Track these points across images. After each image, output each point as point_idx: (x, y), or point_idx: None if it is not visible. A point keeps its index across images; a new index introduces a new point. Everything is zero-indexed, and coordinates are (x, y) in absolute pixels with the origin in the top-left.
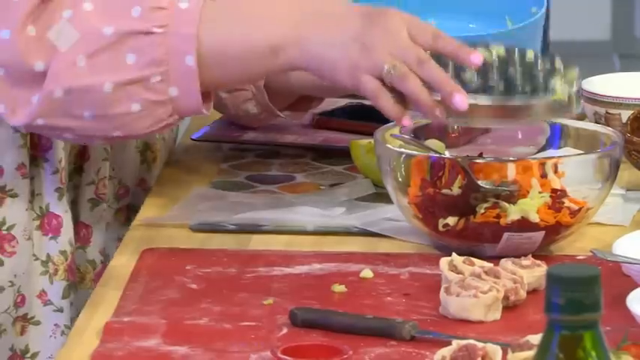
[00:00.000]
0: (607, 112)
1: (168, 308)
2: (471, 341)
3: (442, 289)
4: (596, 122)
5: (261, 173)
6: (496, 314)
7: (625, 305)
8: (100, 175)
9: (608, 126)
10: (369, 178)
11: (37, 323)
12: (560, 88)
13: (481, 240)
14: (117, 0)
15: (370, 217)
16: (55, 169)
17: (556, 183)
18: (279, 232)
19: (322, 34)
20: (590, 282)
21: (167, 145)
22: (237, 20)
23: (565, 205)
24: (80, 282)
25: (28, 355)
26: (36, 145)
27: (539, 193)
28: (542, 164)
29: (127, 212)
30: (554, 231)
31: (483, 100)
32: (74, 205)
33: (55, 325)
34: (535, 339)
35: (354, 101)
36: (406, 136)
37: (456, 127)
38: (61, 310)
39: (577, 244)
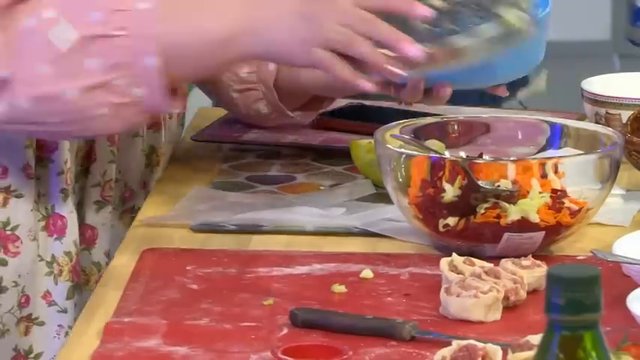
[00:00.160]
0: (607, 113)
1: (168, 309)
2: (471, 341)
3: (442, 290)
4: (597, 122)
5: (261, 173)
6: (496, 314)
7: (625, 305)
8: (107, 177)
9: (609, 126)
10: (369, 178)
11: (42, 324)
12: (507, 13)
13: (481, 240)
14: (77, 5)
15: (370, 218)
16: (60, 170)
17: (556, 183)
18: (279, 232)
19: (269, 18)
20: (590, 282)
21: (171, 148)
22: (191, 15)
23: (565, 205)
24: (85, 284)
25: (32, 355)
26: (42, 146)
27: (540, 193)
28: (542, 164)
29: (131, 215)
30: (554, 231)
31: (436, 46)
32: (80, 207)
33: (59, 325)
34: (535, 339)
35: (354, 101)
36: (406, 137)
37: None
38: (65, 311)
39: (577, 245)
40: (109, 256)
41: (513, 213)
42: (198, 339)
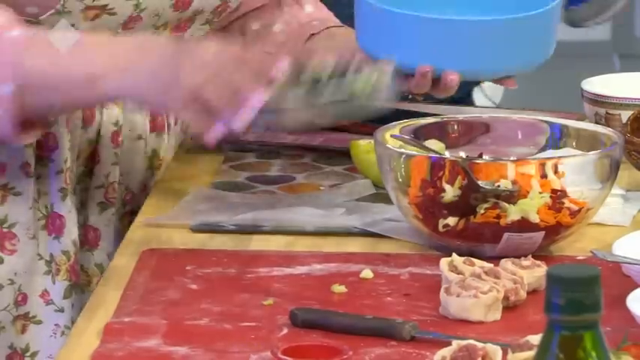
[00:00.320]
0: (607, 113)
1: (168, 309)
2: (471, 341)
3: (442, 290)
4: (597, 123)
5: (261, 174)
6: (496, 314)
7: (625, 305)
8: (110, 179)
9: (609, 126)
10: (369, 178)
11: (39, 322)
12: (358, 83)
13: (481, 240)
14: None
15: (370, 218)
16: (59, 169)
17: (556, 183)
18: (279, 232)
19: (136, 62)
20: (590, 282)
21: (173, 152)
22: (62, 51)
23: (565, 205)
24: (87, 284)
25: (28, 354)
26: (42, 145)
27: (540, 193)
28: (542, 164)
29: (131, 218)
30: (554, 231)
31: (290, 103)
32: (83, 208)
33: (56, 325)
34: (535, 339)
35: None
36: (406, 137)
37: (264, 128)
38: (62, 310)
39: (577, 245)
40: (112, 257)
41: (513, 213)
42: (198, 339)
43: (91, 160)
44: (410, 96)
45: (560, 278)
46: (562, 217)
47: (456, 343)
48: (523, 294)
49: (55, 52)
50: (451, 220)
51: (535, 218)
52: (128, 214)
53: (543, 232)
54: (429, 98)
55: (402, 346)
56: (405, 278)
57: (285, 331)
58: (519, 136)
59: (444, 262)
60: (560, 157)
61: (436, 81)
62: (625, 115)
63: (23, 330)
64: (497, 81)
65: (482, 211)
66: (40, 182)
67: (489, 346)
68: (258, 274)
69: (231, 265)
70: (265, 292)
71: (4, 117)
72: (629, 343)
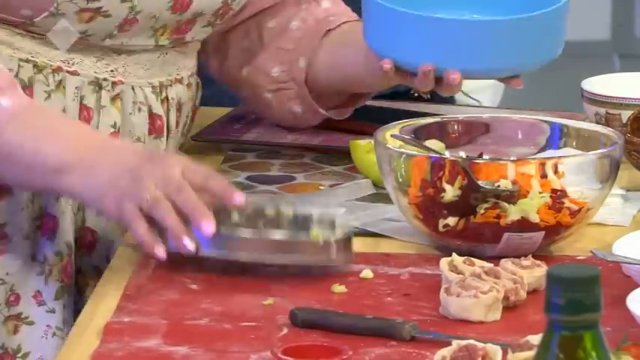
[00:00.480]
0: (607, 113)
1: (168, 308)
2: (471, 341)
3: (442, 290)
4: (597, 123)
5: (261, 173)
6: (496, 314)
7: (625, 305)
8: None
9: (609, 126)
10: (369, 178)
11: (31, 323)
12: (317, 232)
13: (481, 240)
14: None
15: (370, 218)
16: None
17: (556, 183)
18: None
19: (100, 164)
20: (590, 282)
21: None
22: (42, 131)
23: (565, 205)
24: (84, 286)
25: (20, 354)
26: None
27: (540, 193)
28: (542, 164)
29: None
30: (554, 231)
31: (244, 233)
32: (80, 210)
33: (48, 326)
34: (535, 339)
35: None
36: (406, 137)
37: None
38: (53, 312)
39: (577, 245)
40: (109, 260)
41: (513, 213)
42: (198, 339)
43: None
44: (416, 94)
45: (560, 278)
46: (562, 217)
47: (456, 343)
48: (523, 294)
49: (33, 136)
50: (451, 220)
51: (535, 218)
52: None
53: (543, 232)
54: (436, 97)
55: (402, 346)
56: (405, 278)
57: (285, 331)
58: (519, 136)
59: (444, 262)
60: (560, 157)
61: (440, 79)
62: (625, 115)
63: (15, 331)
64: (504, 80)
65: (482, 211)
66: None
67: (489, 346)
68: (258, 274)
69: (232, 265)
70: (265, 292)
71: None
72: (629, 343)
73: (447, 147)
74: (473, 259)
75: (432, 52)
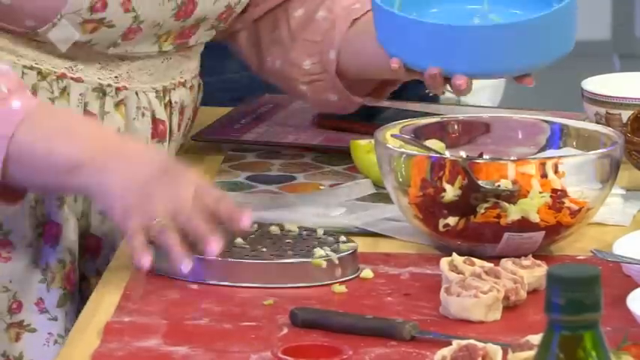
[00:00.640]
0: (607, 113)
1: (168, 308)
2: (472, 341)
3: (442, 289)
4: (597, 122)
5: (261, 173)
6: (496, 314)
7: (625, 305)
8: None
9: (609, 126)
10: (369, 178)
11: (33, 331)
12: (320, 255)
13: (481, 240)
14: None
15: (370, 217)
16: None
17: (556, 183)
18: None
19: (117, 171)
20: (590, 282)
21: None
22: (54, 131)
23: (565, 205)
24: (89, 293)
25: None
26: None
27: (540, 193)
28: (543, 164)
29: None
30: (554, 231)
31: (247, 259)
32: (85, 217)
33: (49, 333)
34: (535, 339)
35: None
36: (406, 136)
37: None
38: (55, 319)
39: (577, 244)
40: None
41: (513, 213)
42: (199, 339)
43: None
44: (430, 93)
45: (560, 278)
46: (562, 216)
47: (456, 343)
48: (523, 294)
49: (46, 136)
50: (451, 220)
51: (535, 218)
52: None
53: (543, 232)
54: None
55: (402, 346)
56: (405, 278)
57: (285, 331)
58: (519, 136)
59: (444, 261)
60: (560, 157)
61: (447, 80)
62: (625, 115)
63: (17, 338)
64: (515, 79)
65: (482, 211)
66: None
67: (490, 346)
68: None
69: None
70: (265, 292)
71: None
72: (629, 343)
73: (447, 147)
74: (473, 258)
75: (438, 57)
